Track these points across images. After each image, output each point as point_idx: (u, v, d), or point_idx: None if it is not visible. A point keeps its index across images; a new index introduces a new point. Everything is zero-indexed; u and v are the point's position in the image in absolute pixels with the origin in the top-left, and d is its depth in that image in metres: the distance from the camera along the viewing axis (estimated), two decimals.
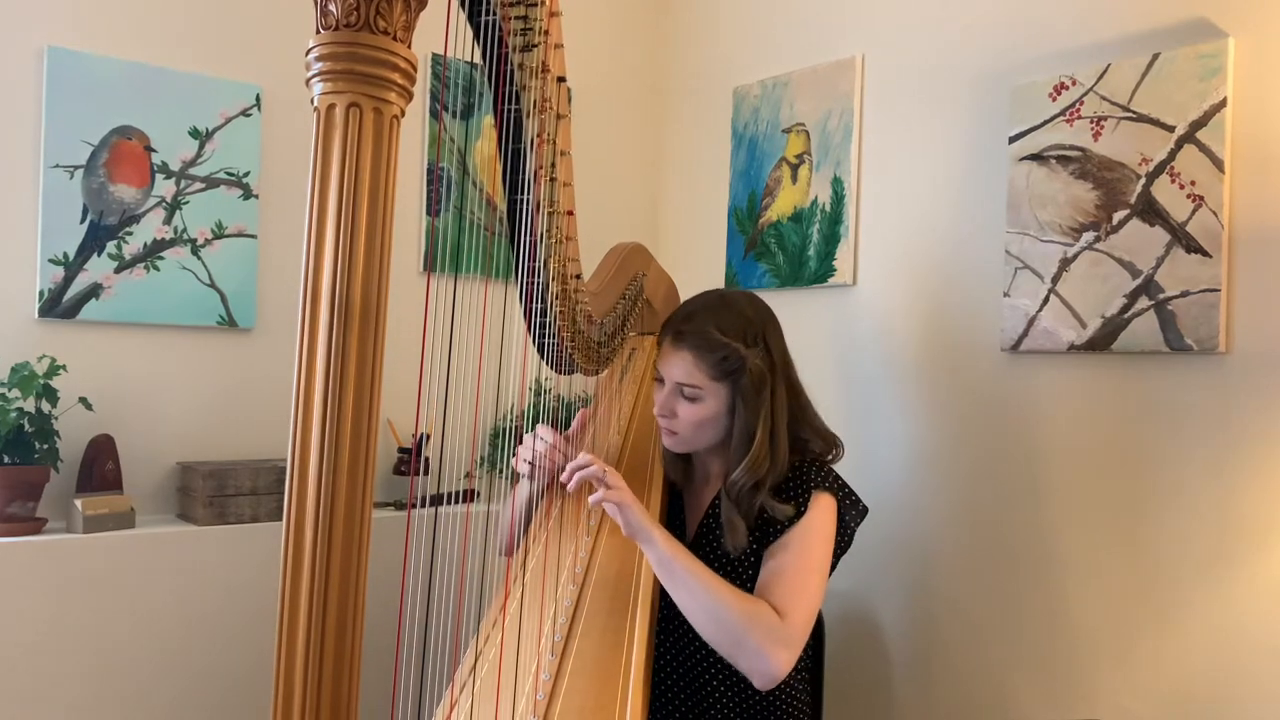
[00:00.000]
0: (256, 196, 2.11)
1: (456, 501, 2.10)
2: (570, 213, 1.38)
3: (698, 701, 1.50)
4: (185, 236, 2.03)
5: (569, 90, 1.30)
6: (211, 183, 2.06)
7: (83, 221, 1.91)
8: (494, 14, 1.11)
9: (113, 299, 1.94)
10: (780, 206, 2.34)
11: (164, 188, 2.01)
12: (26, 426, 1.77)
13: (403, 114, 0.81)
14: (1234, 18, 1.61)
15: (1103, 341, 1.73)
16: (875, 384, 2.14)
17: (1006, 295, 1.87)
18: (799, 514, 1.45)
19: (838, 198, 2.21)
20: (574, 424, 1.61)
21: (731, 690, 1.49)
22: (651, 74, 2.76)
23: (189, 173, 2.03)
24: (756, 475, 1.45)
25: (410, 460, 2.22)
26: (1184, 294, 1.63)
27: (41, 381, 1.78)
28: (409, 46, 0.80)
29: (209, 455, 2.06)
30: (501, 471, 2.35)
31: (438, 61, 2.34)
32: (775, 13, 2.43)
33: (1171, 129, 1.66)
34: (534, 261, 1.32)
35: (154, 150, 1.99)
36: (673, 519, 1.61)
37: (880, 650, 2.09)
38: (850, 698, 2.11)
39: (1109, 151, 1.74)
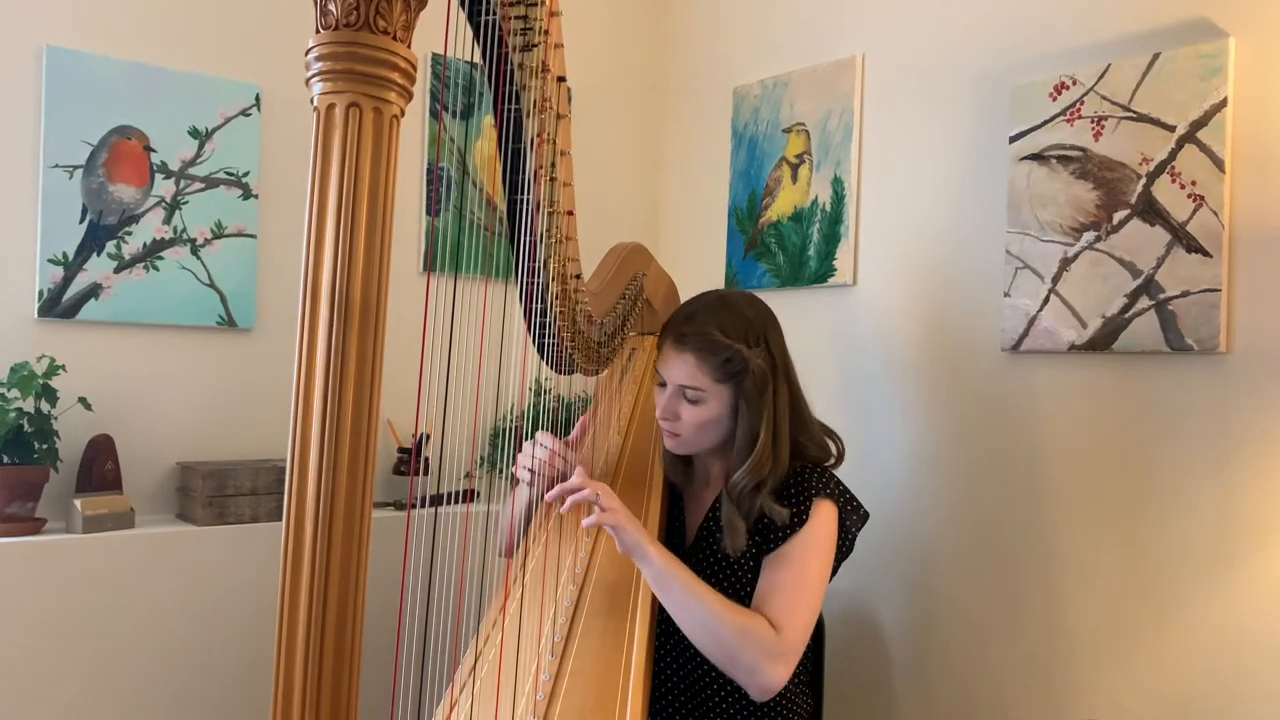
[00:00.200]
0: (256, 196, 2.11)
1: (456, 501, 2.09)
2: (570, 213, 1.38)
3: (698, 702, 1.50)
4: (185, 236, 2.03)
5: (569, 90, 1.30)
6: (211, 182, 2.06)
7: (82, 221, 1.91)
8: (494, 14, 1.11)
9: (112, 299, 1.94)
10: (780, 206, 2.34)
11: (163, 187, 2.00)
12: (26, 426, 1.77)
13: (403, 114, 0.81)
14: (1234, 17, 1.61)
15: (1103, 341, 1.73)
16: (875, 384, 2.13)
17: (1007, 295, 1.87)
18: (800, 522, 1.44)
19: (838, 197, 2.21)
20: (575, 431, 1.61)
21: (731, 690, 1.49)
22: (651, 74, 2.76)
23: (188, 172, 2.03)
24: (759, 476, 1.45)
25: (410, 460, 2.21)
26: (1184, 294, 1.63)
27: (41, 381, 1.78)
28: (409, 46, 0.80)
29: (208, 455, 2.06)
30: (501, 471, 2.35)
31: (438, 61, 2.33)
32: (775, 12, 2.43)
33: (1172, 129, 1.65)
34: (534, 261, 1.32)
35: (153, 150, 1.98)
36: (673, 520, 1.61)
37: (880, 650, 2.08)
38: (850, 697, 2.11)
39: (1109, 151, 1.74)
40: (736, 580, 1.49)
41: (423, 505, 2.11)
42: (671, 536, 1.58)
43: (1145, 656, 1.69)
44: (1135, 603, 1.70)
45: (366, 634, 0.82)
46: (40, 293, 1.87)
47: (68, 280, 1.90)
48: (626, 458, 1.67)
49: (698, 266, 2.55)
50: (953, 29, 2.02)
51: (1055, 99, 1.81)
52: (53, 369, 1.80)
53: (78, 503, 1.81)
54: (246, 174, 2.09)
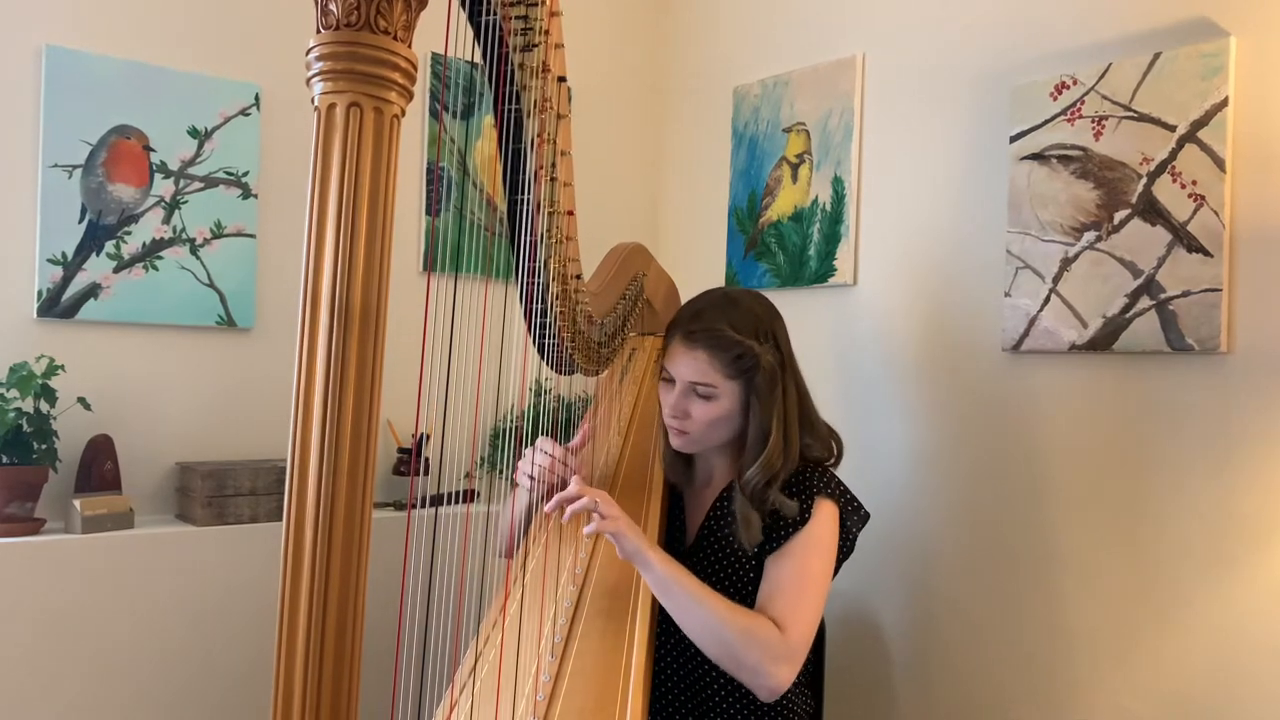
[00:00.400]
0: (255, 196, 2.10)
1: (456, 502, 2.09)
2: (570, 213, 1.37)
3: (698, 702, 1.50)
4: (184, 236, 2.02)
5: (569, 90, 1.30)
6: (210, 182, 2.05)
7: (81, 221, 1.91)
8: (494, 14, 1.11)
9: (111, 299, 1.94)
10: (780, 206, 2.34)
11: (163, 187, 2.00)
12: (25, 427, 1.77)
13: (403, 114, 0.80)
14: (1235, 17, 1.61)
15: (1104, 341, 1.73)
16: (876, 384, 2.13)
17: (1007, 295, 1.87)
18: (801, 520, 1.45)
19: (838, 197, 2.21)
20: (576, 438, 1.60)
21: (732, 691, 1.49)
22: (651, 73, 2.76)
23: (188, 172, 2.03)
24: (771, 472, 1.45)
25: (410, 460, 2.21)
26: (1185, 294, 1.63)
27: (40, 381, 1.78)
28: (409, 46, 0.80)
29: (208, 455, 2.06)
30: (501, 472, 2.34)
31: (438, 61, 2.33)
32: (775, 12, 2.43)
33: (1173, 128, 1.65)
34: (534, 262, 1.31)
35: (153, 150, 1.98)
36: (672, 521, 1.60)
37: (880, 650, 2.08)
38: (850, 697, 2.11)
39: (1110, 151, 1.73)
40: (738, 579, 1.49)
41: (423, 505, 2.11)
42: (671, 537, 1.58)
43: (1145, 656, 1.69)
44: (1135, 603, 1.70)
45: (366, 634, 0.82)
46: (39, 292, 1.87)
47: (67, 280, 1.89)
48: (626, 459, 1.67)
49: (698, 266, 2.54)
50: (953, 29, 2.02)
51: (1056, 99, 1.81)
52: (52, 369, 1.80)
53: (77, 503, 1.81)
54: (246, 174, 2.09)
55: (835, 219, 2.21)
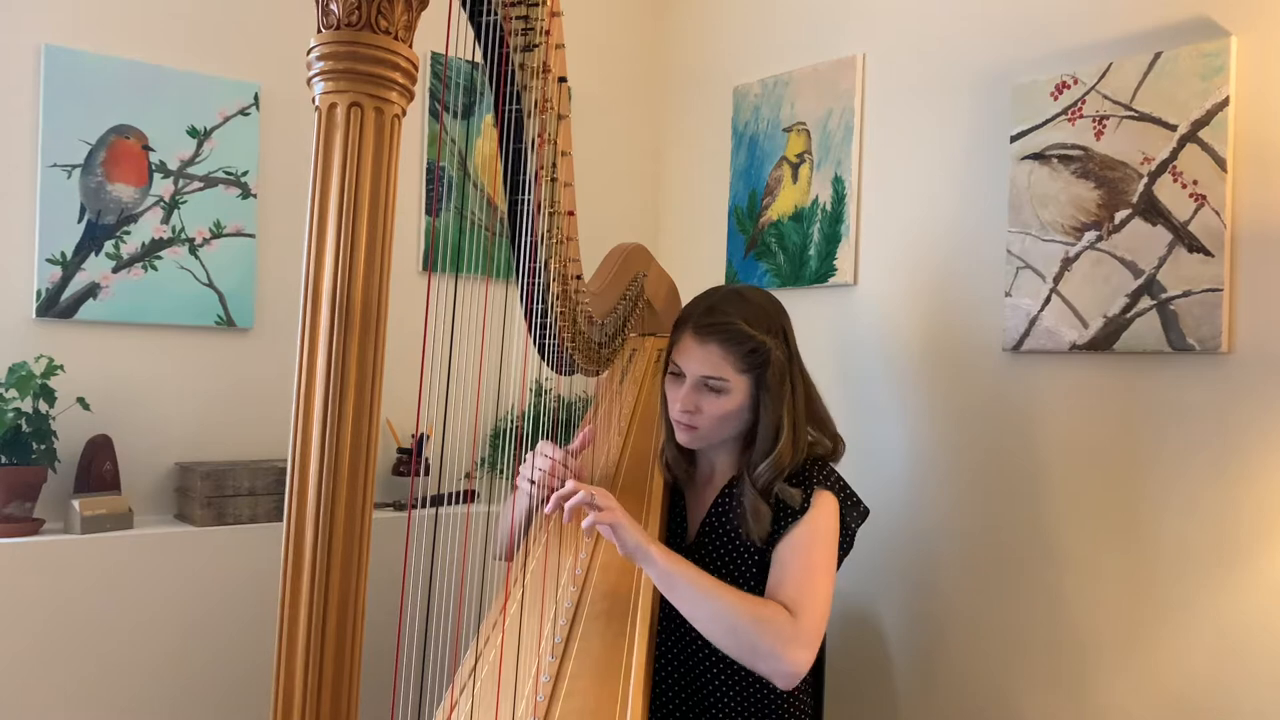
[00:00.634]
0: (255, 196, 2.10)
1: (456, 502, 2.09)
2: (571, 213, 1.37)
3: (698, 702, 1.50)
4: (183, 236, 2.02)
5: (569, 90, 1.29)
6: (210, 182, 2.05)
7: (80, 221, 1.91)
8: (495, 14, 1.11)
9: (110, 299, 1.94)
10: (781, 206, 2.34)
11: (162, 187, 2.00)
12: (24, 427, 1.77)
13: (404, 113, 0.80)
14: (1236, 16, 1.61)
15: (1105, 341, 1.73)
16: (876, 384, 2.13)
17: (1008, 295, 1.87)
18: (803, 508, 1.45)
19: (838, 197, 2.21)
20: (575, 442, 1.60)
21: (732, 691, 1.49)
22: (651, 73, 2.76)
23: (187, 172, 2.02)
24: (780, 467, 1.46)
25: (410, 461, 2.21)
26: (1186, 294, 1.63)
27: (39, 381, 1.78)
28: (410, 46, 0.79)
29: (207, 456, 2.06)
30: (501, 472, 2.34)
31: (438, 60, 2.33)
32: (776, 11, 2.43)
33: (1174, 128, 1.65)
34: (534, 262, 1.31)
35: (152, 149, 1.98)
36: (673, 518, 1.60)
37: (881, 650, 2.08)
38: (851, 697, 2.11)
39: (1111, 151, 1.73)
40: (743, 573, 1.49)
41: (423, 506, 2.11)
42: (672, 535, 1.58)
43: (1146, 656, 1.68)
44: (1136, 602, 1.70)
45: (366, 634, 0.82)
46: (38, 292, 1.86)
47: (66, 280, 1.89)
48: (627, 460, 1.66)
49: (698, 266, 2.54)
50: (954, 28, 2.02)
51: (1056, 98, 1.81)
52: (51, 369, 1.80)
53: (76, 503, 1.81)
54: (245, 173, 2.09)
55: (835, 219, 2.21)
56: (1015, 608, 1.87)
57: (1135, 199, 1.70)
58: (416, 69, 0.80)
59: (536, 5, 1.13)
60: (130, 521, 1.86)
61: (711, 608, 1.33)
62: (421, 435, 2.18)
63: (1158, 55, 1.68)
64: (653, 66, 2.76)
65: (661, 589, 1.36)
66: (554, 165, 1.28)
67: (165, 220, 2.00)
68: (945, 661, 1.97)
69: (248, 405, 2.10)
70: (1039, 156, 1.83)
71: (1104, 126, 1.74)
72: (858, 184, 2.18)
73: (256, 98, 2.09)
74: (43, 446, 1.79)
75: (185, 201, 2.02)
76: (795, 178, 2.31)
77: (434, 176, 2.35)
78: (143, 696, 1.84)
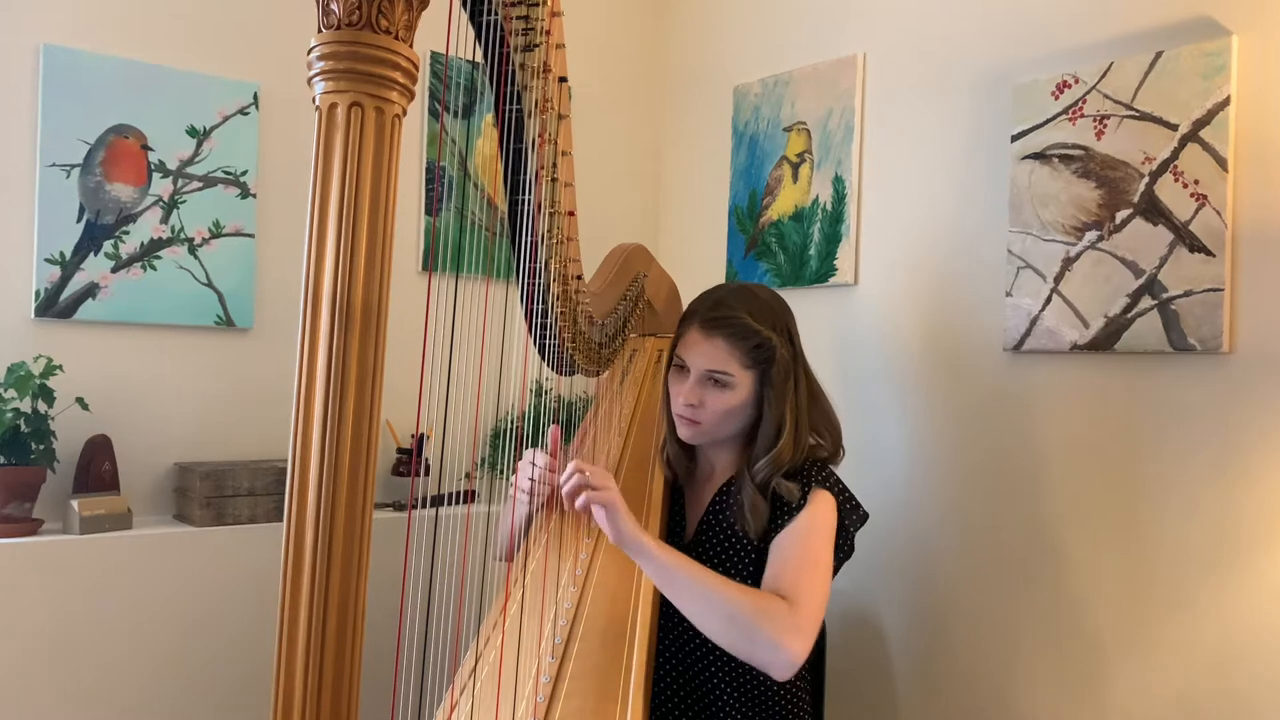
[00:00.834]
0: (254, 195, 2.10)
1: (456, 503, 2.09)
2: (571, 213, 1.37)
3: (697, 701, 1.49)
4: (182, 236, 2.02)
5: (570, 90, 1.29)
6: (209, 182, 2.05)
7: (79, 221, 1.90)
8: (495, 14, 1.11)
9: (109, 299, 1.93)
10: (781, 205, 2.34)
11: (161, 187, 1.99)
12: (23, 427, 1.76)
13: (404, 113, 0.80)
14: (1237, 15, 1.60)
15: (1105, 341, 1.73)
16: (877, 384, 2.13)
17: (1009, 295, 1.87)
18: (800, 504, 1.44)
19: (839, 197, 2.20)
20: (574, 441, 1.59)
21: (733, 691, 1.48)
22: (651, 73, 2.75)
23: (186, 171, 2.02)
24: (780, 465, 1.46)
25: (410, 461, 2.21)
26: (1187, 294, 1.62)
27: (38, 382, 1.77)
28: (410, 46, 0.79)
29: (206, 456, 2.05)
30: (501, 472, 2.34)
31: (437, 60, 2.32)
32: (776, 11, 2.42)
33: (1175, 127, 1.65)
34: (535, 262, 1.31)
35: (151, 149, 1.97)
36: (672, 516, 1.60)
37: (882, 650, 2.08)
38: (852, 697, 2.10)
39: (1112, 150, 1.73)
40: (740, 569, 1.49)
41: (423, 506, 2.10)
42: (671, 534, 1.58)
43: (1147, 656, 1.68)
44: (1137, 603, 1.70)
45: (366, 635, 0.82)
46: (37, 292, 1.86)
47: (65, 280, 1.89)
48: (627, 460, 1.66)
49: (698, 266, 2.54)
50: (954, 27, 2.02)
51: (1057, 98, 1.81)
52: (50, 369, 1.79)
53: (75, 503, 1.80)
54: (245, 173, 2.08)
55: (836, 218, 2.21)
56: (1016, 608, 1.87)
57: (1136, 199, 1.70)
58: (417, 69, 0.80)
59: (537, 5, 1.13)
60: (129, 522, 1.86)
61: (708, 599, 1.32)
62: (421, 435, 2.18)
63: (1159, 55, 1.67)
64: (653, 66, 2.75)
65: (658, 583, 1.35)
66: (554, 165, 1.28)
67: (164, 220, 2.00)
68: (946, 661, 1.97)
69: (247, 405, 2.10)
70: (1040, 156, 1.83)
71: (1105, 126, 1.74)
72: (858, 184, 2.18)
73: (256, 97, 2.09)
74: (41, 447, 1.79)
75: (184, 201, 2.02)
76: (795, 177, 2.31)
77: (434, 176, 2.34)
78: (142, 697, 1.84)
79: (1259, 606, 1.56)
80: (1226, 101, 1.59)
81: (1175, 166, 1.65)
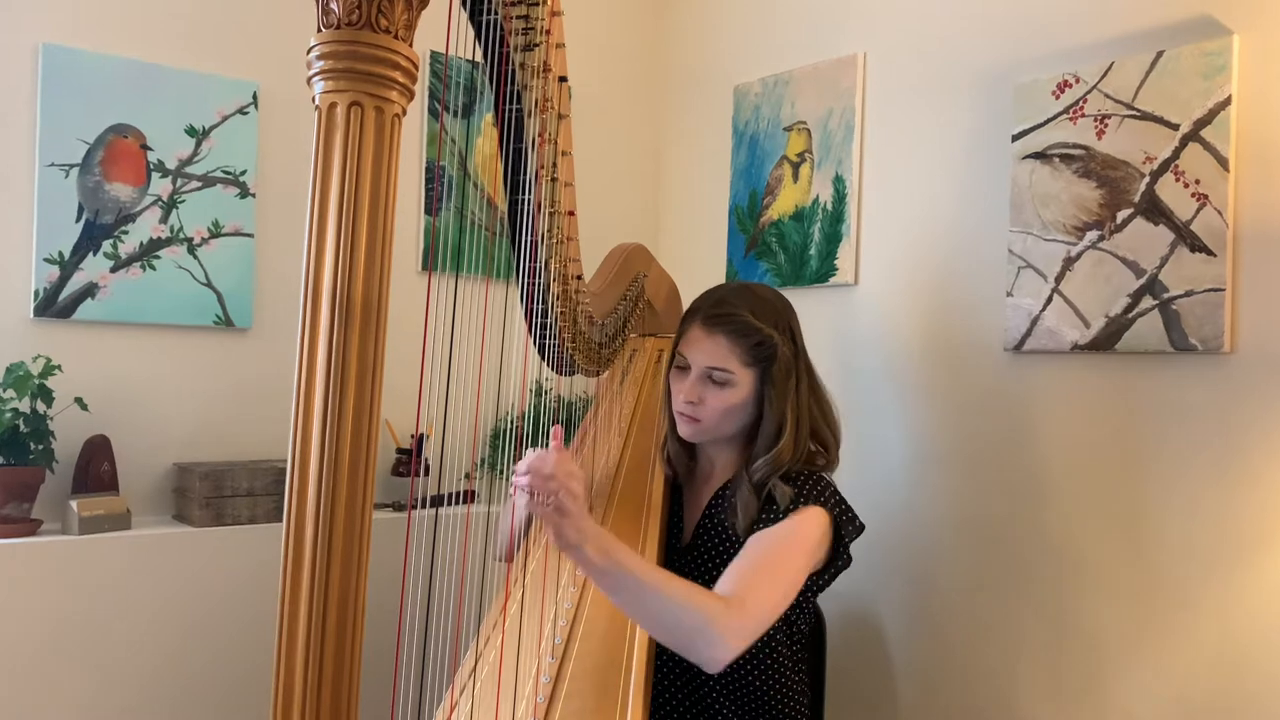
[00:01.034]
0: (254, 195, 2.09)
1: (456, 503, 2.09)
2: (571, 213, 1.37)
3: (696, 702, 1.49)
4: (181, 235, 2.02)
5: (569, 90, 1.29)
6: (208, 181, 2.04)
7: (78, 220, 1.90)
8: (495, 13, 1.11)
9: (108, 298, 1.93)
10: (781, 205, 2.33)
11: (160, 186, 1.99)
12: (22, 427, 1.76)
13: (404, 113, 0.80)
14: (1239, 15, 1.60)
15: (1106, 341, 1.72)
16: (877, 384, 2.13)
17: (1009, 295, 1.87)
18: (787, 511, 1.42)
19: (839, 196, 2.20)
20: (574, 440, 1.57)
21: (731, 692, 1.48)
22: (651, 73, 2.75)
23: (185, 171, 2.02)
24: (779, 465, 1.45)
25: (410, 461, 2.20)
26: (1188, 293, 1.62)
27: (37, 382, 1.77)
28: (410, 45, 0.79)
29: (205, 456, 2.05)
30: (501, 473, 2.34)
31: (437, 59, 2.32)
32: (776, 10, 2.42)
33: (1176, 127, 1.65)
34: (535, 262, 1.31)
35: (150, 148, 1.97)
36: (671, 518, 1.60)
37: (881, 650, 2.08)
38: (851, 697, 2.10)
39: (1112, 150, 1.73)
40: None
41: (422, 506, 2.10)
42: (669, 537, 1.58)
43: (1148, 657, 1.68)
44: (1139, 603, 1.70)
45: (366, 635, 0.82)
46: (36, 292, 1.86)
47: (64, 280, 1.88)
48: (627, 461, 1.66)
49: (698, 266, 2.54)
50: (955, 27, 2.01)
51: (1058, 97, 1.80)
52: (49, 369, 1.79)
53: (74, 504, 1.80)
54: (244, 172, 2.08)
55: (836, 218, 2.21)
56: (1016, 608, 1.86)
57: (1137, 198, 1.70)
58: (416, 68, 0.80)
59: (537, 4, 1.13)
60: (128, 522, 1.86)
61: (642, 611, 1.24)
62: (421, 435, 2.18)
63: (1159, 54, 1.67)
64: (653, 66, 2.75)
65: (603, 590, 1.26)
66: (554, 165, 1.28)
67: (163, 220, 2.00)
68: (946, 662, 1.97)
69: (246, 405, 2.09)
70: (1040, 156, 1.83)
71: (1106, 126, 1.74)
72: (858, 183, 2.18)
73: (255, 97, 2.09)
74: (40, 447, 1.78)
75: (183, 201, 2.02)
76: (796, 177, 2.30)
77: (434, 176, 2.34)
78: (142, 697, 1.84)
79: (1261, 607, 1.55)
80: (1227, 101, 1.59)
81: (1176, 166, 1.64)
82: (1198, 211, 1.61)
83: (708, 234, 2.56)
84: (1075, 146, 1.78)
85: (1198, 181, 1.62)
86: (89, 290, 1.91)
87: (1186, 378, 1.64)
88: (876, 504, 2.05)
